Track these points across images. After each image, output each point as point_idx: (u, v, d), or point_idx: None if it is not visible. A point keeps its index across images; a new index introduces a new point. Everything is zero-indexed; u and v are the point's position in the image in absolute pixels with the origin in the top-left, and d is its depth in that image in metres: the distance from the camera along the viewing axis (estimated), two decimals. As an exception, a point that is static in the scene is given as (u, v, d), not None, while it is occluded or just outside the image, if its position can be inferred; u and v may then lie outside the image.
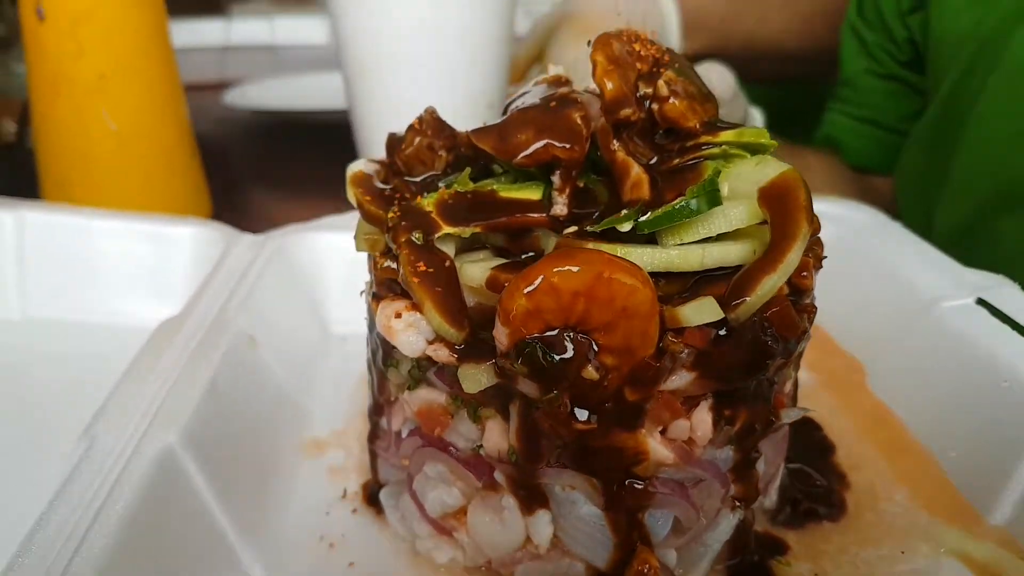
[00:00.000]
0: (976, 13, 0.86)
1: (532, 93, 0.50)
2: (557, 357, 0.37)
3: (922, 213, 0.97)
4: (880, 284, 0.68)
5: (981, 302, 0.59)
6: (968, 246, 0.89)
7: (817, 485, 0.53)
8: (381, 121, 0.99)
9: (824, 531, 0.49)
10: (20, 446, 0.54)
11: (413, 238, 0.42)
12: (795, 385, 0.49)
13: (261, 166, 1.37)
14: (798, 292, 0.43)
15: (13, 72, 1.37)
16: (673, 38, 0.94)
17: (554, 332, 0.37)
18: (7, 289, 0.70)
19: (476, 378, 0.39)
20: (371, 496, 0.50)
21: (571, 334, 0.37)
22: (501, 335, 0.37)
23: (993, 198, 0.86)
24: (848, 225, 0.75)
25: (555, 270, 0.36)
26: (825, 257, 0.48)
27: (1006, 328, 0.56)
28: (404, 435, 0.46)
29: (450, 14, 0.92)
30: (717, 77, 0.84)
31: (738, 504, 0.45)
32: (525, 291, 0.36)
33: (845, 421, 0.60)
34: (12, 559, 0.35)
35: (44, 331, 0.69)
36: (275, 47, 1.88)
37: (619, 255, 0.39)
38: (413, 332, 0.41)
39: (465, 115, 1.00)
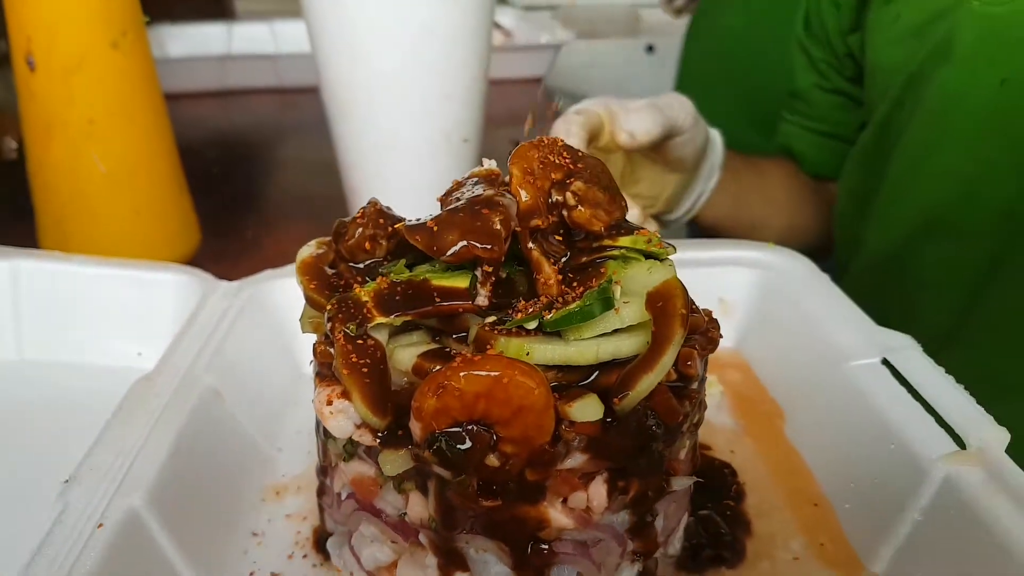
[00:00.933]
0: (906, 48, 0.89)
1: (467, 187, 0.56)
2: (461, 448, 0.43)
3: (855, 229, 1.01)
4: (803, 335, 0.73)
5: (885, 363, 0.65)
6: (895, 268, 0.95)
7: (722, 532, 0.59)
8: (362, 159, 1.05)
9: (722, 577, 0.56)
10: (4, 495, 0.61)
11: (347, 329, 0.48)
12: (693, 449, 0.55)
13: (256, 181, 1.43)
14: (685, 379, 0.49)
15: (14, 87, 1.43)
16: (717, 159, 0.98)
17: (459, 427, 0.43)
18: (5, 332, 0.77)
19: (395, 462, 0.46)
20: (320, 542, 0.57)
21: (474, 428, 0.43)
22: (415, 428, 0.44)
23: (918, 225, 0.91)
24: (779, 273, 0.80)
25: (461, 375, 0.42)
26: (719, 339, 0.54)
27: (902, 390, 0.62)
28: (343, 497, 0.52)
29: (427, 59, 0.98)
30: (678, 105, 0.89)
31: (637, 557, 0.51)
32: (435, 394, 0.42)
33: (761, 467, 0.66)
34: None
35: (40, 372, 0.75)
36: (277, 56, 1.91)
37: (525, 350, 0.45)
38: (343, 417, 0.47)
39: (442, 150, 1.06)
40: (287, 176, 1.39)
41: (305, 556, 0.57)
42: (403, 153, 1.04)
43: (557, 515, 0.47)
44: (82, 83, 0.88)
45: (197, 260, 1.00)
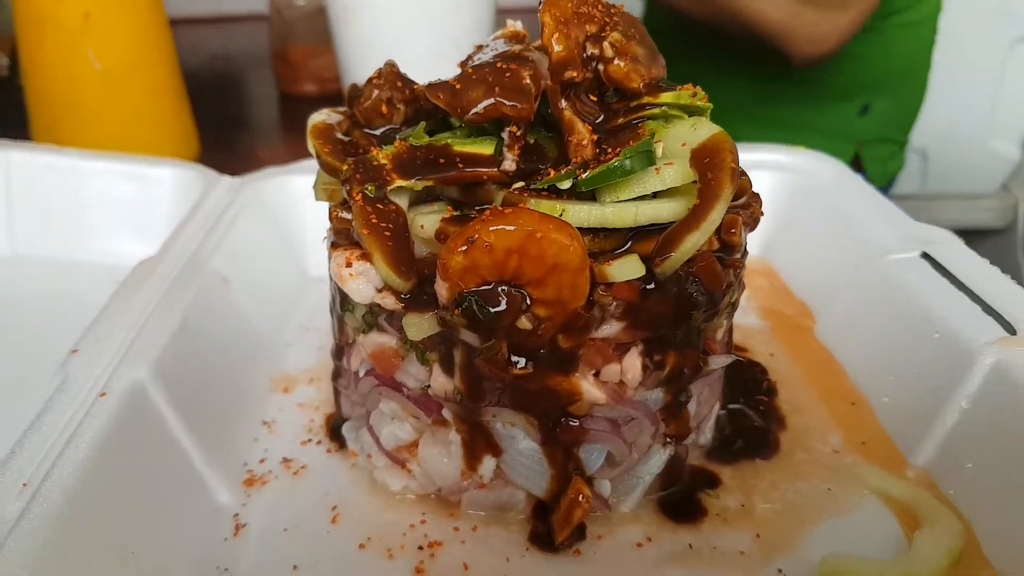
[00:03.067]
0: None
1: (490, 48, 0.52)
2: (492, 309, 0.40)
3: None
4: (835, 235, 0.70)
5: (925, 256, 0.62)
6: None
7: (755, 425, 0.56)
8: (365, 66, 1.00)
9: (756, 467, 0.53)
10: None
11: (366, 190, 0.44)
12: (729, 331, 0.52)
13: (252, 104, 1.38)
14: (728, 248, 0.45)
15: (6, 6, 1.37)
16: None
17: (489, 286, 0.40)
18: (-3, 227, 0.73)
19: (420, 326, 0.43)
20: (334, 429, 0.54)
21: (505, 288, 0.40)
22: (441, 288, 0.40)
23: None
24: (812, 176, 0.77)
25: (490, 229, 0.39)
26: (763, 214, 0.51)
27: (945, 281, 0.59)
28: (361, 375, 0.49)
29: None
30: None
31: (669, 440, 0.48)
32: (462, 248, 0.39)
33: (791, 366, 0.64)
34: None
35: (32, 268, 0.72)
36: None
37: (558, 211, 0.42)
38: (363, 280, 0.44)
39: (450, 59, 1.01)
40: (283, 97, 1.34)
41: (319, 442, 0.54)
42: (409, 61, 0.99)
43: (589, 388, 0.44)
44: (75, -27, 0.83)
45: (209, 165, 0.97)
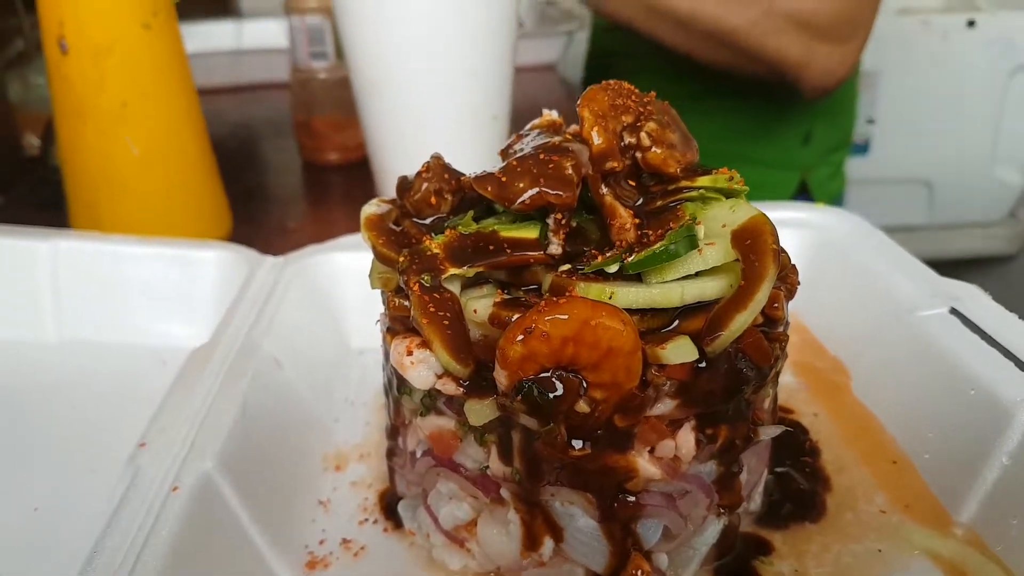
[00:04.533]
0: None
1: (529, 138, 0.54)
2: (551, 395, 0.42)
3: None
4: (862, 291, 0.72)
5: (954, 312, 0.63)
6: None
7: (801, 488, 0.57)
8: (389, 134, 1.04)
9: (806, 531, 0.54)
10: (67, 468, 0.60)
11: (423, 280, 0.46)
12: (774, 400, 0.53)
13: (277, 174, 1.41)
14: (771, 322, 0.47)
15: (33, 85, 1.42)
16: None
17: (547, 373, 0.42)
18: (44, 313, 0.76)
19: (481, 412, 0.44)
20: (389, 508, 0.55)
21: (563, 374, 0.42)
22: (501, 376, 0.42)
23: None
24: (833, 232, 0.79)
25: (547, 319, 0.41)
26: (799, 283, 0.52)
27: (975, 338, 0.60)
28: (418, 455, 0.51)
29: (449, 34, 0.96)
30: None
31: (723, 511, 0.50)
32: (519, 338, 0.41)
33: (831, 426, 0.65)
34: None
35: (80, 353, 0.74)
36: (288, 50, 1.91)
37: (607, 293, 0.44)
38: (424, 367, 0.45)
39: (470, 126, 1.05)
40: (307, 166, 1.37)
41: (375, 521, 0.55)
42: (431, 131, 1.03)
43: (645, 464, 0.45)
44: (115, 65, 0.87)
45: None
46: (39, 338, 0.75)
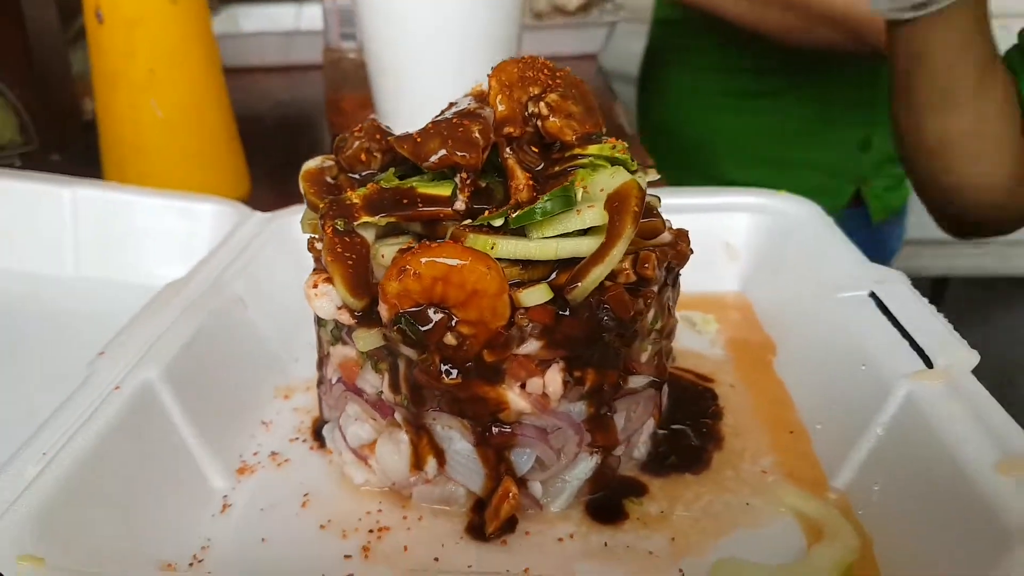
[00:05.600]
0: None
1: (459, 104, 0.60)
2: (422, 328, 0.48)
3: None
4: (801, 273, 0.75)
5: (873, 295, 0.66)
6: None
7: (692, 445, 0.62)
8: (400, 114, 1.11)
9: (685, 481, 0.58)
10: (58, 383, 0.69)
11: (336, 224, 0.53)
12: (660, 355, 0.58)
13: (306, 148, 1.51)
14: (643, 280, 0.52)
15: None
16: None
17: (420, 308, 0.48)
18: (64, 251, 0.86)
19: (368, 339, 0.51)
20: (317, 430, 0.63)
21: (435, 309, 0.48)
22: (382, 309, 0.49)
23: None
24: (786, 217, 0.82)
25: (421, 260, 0.47)
26: (692, 251, 0.57)
27: (883, 319, 0.63)
28: (334, 381, 0.58)
29: (464, 21, 1.03)
30: None
31: (596, 450, 0.55)
32: (397, 277, 0.47)
33: (744, 396, 0.69)
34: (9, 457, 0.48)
35: (91, 287, 0.84)
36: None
37: (490, 244, 0.50)
38: (326, 299, 0.52)
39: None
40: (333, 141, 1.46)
41: (304, 440, 0.62)
42: (436, 111, 1.09)
43: (515, 398, 0.51)
44: (143, 36, 0.97)
45: (253, 205, 1.08)
46: (57, 272, 0.85)
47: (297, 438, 0.63)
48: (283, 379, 0.70)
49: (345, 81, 1.42)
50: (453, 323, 0.48)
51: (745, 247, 0.84)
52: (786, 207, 0.83)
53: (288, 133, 1.60)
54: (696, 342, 0.76)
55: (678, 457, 0.60)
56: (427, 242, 0.49)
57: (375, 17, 1.06)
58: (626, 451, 0.58)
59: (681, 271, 0.61)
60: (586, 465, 0.55)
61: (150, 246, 0.85)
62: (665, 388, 0.63)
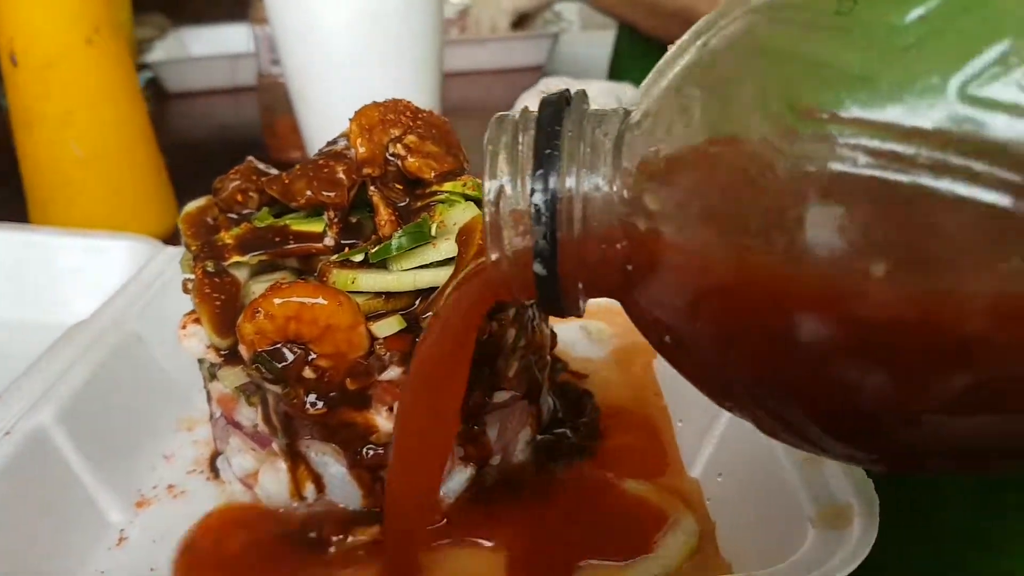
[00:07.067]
0: None
1: (336, 143, 0.63)
2: (279, 364, 0.51)
3: None
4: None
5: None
6: None
7: (569, 445, 0.65)
8: (315, 115, 1.13)
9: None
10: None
11: (206, 266, 0.56)
12: (527, 369, 0.61)
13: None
14: (499, 307, 0.55)
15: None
16: None
17: (276, 346, 0.51)
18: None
19: (231, 377, 0.54)
20: (212, 461, 0.65)
21: (289, 347, 0.51)
22: (242, 349, 0.51)
23: None
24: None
25: (274, 301, 0.50)
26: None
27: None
28: (217, 415, 0.60)
29: (373, 46, 1.05)
30: None
31: (468, 463, 0.58)
32: (251, 318, 0.50)
33: (619, 393, 0.72)
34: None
35: (7, 330, 0.86)
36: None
37: (351, 279, 0.53)
38: (195, 339, 0.55)
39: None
40: (274, 164, 1.48)
41: (201, 472, 0.65)
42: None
43: (383, 421, 0.54)
44: (58, 77, 0.99)
45: (175, 240, 1.11)
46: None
47: (194, 470, 0.66)
48: (185, 411, 0.73)
49: (278, 105, 1.45)
50: (310, 358, 0.51)
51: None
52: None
53: (229, 157, 1.60)
54: (590, 350, 0.80)
55: (552, 460, 0.63)
56: (281, 281, 0.52)
57: (287, 41, 1.09)
58: (503, 460, 0.61)
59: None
60: (462, 476, 0.58)
61: (64, 286, 0.87)
62: (547, 397, 0.66)
